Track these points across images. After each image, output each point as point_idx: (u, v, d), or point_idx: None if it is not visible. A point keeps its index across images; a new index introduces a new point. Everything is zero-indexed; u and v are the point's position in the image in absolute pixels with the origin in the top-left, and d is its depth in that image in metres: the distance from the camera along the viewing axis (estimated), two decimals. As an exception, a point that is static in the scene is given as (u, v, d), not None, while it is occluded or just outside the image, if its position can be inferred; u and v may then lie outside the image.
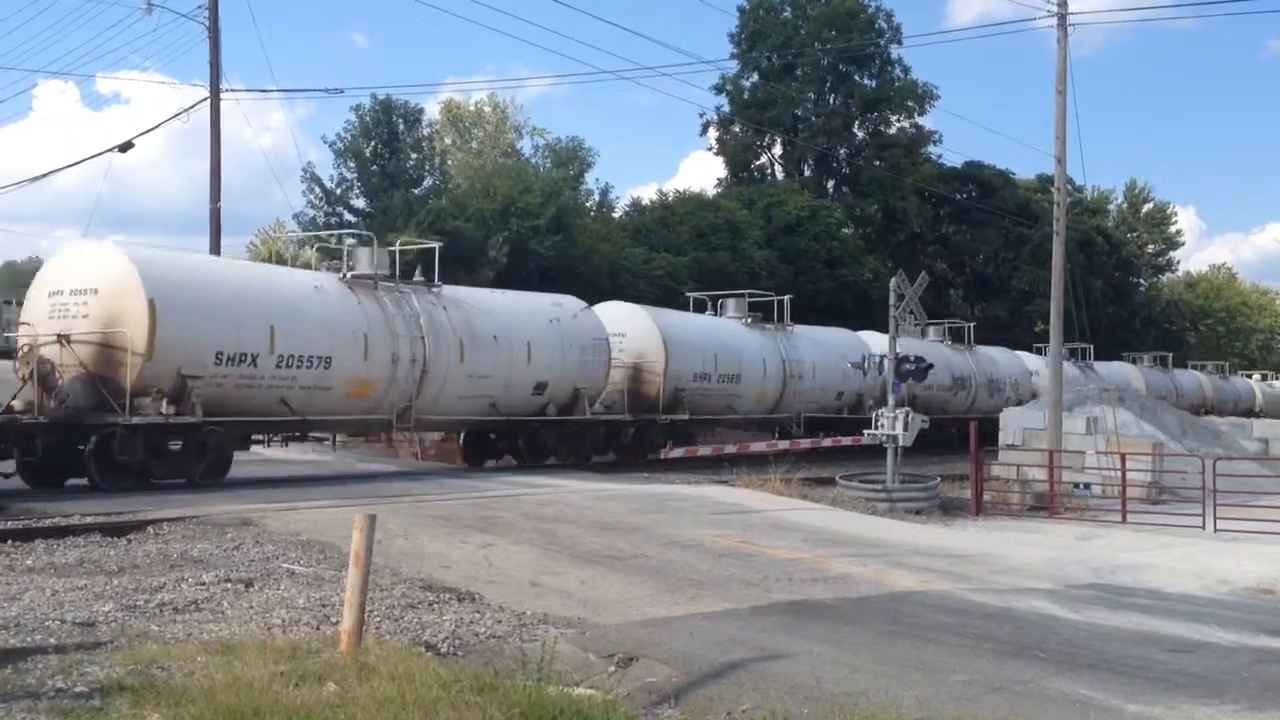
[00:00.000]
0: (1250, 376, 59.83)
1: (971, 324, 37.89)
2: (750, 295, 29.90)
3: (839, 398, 30.30)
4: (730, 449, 25.39)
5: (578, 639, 8.17)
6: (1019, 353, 40.93)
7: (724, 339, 27.44)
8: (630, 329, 25.12)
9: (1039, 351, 38.00)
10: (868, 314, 34.11)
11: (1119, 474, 19.03)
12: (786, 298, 29.79)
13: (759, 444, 25.71)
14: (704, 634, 8.42)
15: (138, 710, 6.00)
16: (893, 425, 18.63)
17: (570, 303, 23.82)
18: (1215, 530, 16.18)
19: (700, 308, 29.19)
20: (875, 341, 29.54)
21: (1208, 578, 12.50)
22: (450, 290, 21.59)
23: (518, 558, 11.30)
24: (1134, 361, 47.01)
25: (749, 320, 28.87)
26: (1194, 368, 54.06)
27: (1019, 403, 32.28)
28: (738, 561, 11.75)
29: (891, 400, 19.20)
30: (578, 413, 22.78)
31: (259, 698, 6.04)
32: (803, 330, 30.41)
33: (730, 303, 29.33)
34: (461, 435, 23.87)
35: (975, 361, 36.65)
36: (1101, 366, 42.44)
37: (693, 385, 25.52)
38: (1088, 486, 20.67)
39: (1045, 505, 19.14)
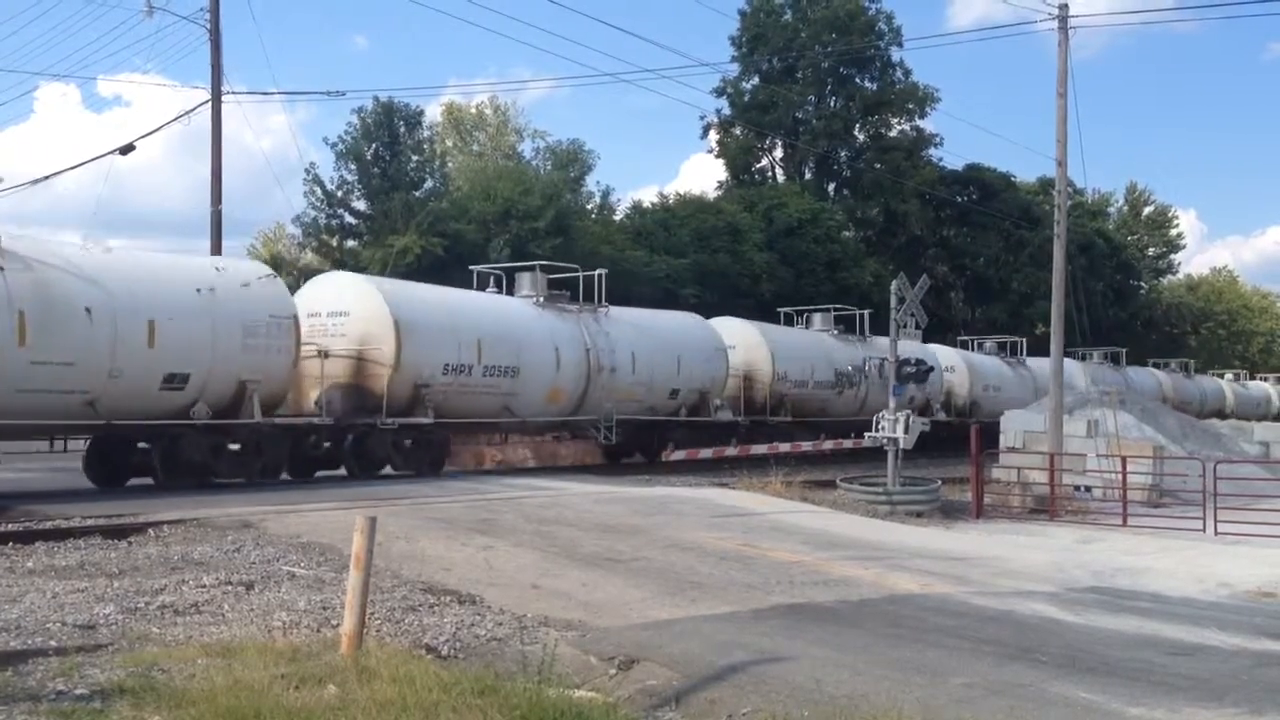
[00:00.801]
0: (1223, 376, 59.32)
1: (867, 311, 32.92)
2: (551, 269, 24.92)
3: (673, 396, 26.08)
4: (733, 452, 25.37)
5: (578, 641, 8.17)
6: (934, 346, 34.98)
7: (501, 321, 22.65)
8: (356, 306, 20.58)
9: (1075, 358, 37.94)
10: (869, 316, 34.09)
11: (1120, 477, 19.03)
12: (599, 272, 24.83)
13: (758, 447, 25.66)
14: (705, 637, 8.41)
15: (138, 712, 6.00)
16: (893, 428, 18.64)
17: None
18: (1216, 533, 16.17)
19: (484, 284, 24.41)
20: (732, 331, 28.43)
21: (1208, 581, 12.49)
22: (616, 311, 25.46)
23: (518, 560, 11.30)
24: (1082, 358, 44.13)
25: (542, 299, 23.88)
26: (1156, 365, 52.87)
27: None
28: (739, 564, 11.74)
29: (892, 403, 19.21)
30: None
31: (259, 700, 6.04)
32: (621, 313, 25.71)
33: (525, 278, 24.40)
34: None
35: (870, 353, 30.20)
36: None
37: (441, 379, 20.68)
38: (1088, 489, 20.67)
39: (1046, 508, 19.15)
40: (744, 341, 28.51)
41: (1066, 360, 42.95)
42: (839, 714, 6.55)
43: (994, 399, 35.43)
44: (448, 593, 9.55)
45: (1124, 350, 47.73)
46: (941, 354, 35.69)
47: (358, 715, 5.98)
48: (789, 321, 31.61)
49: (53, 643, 7.45)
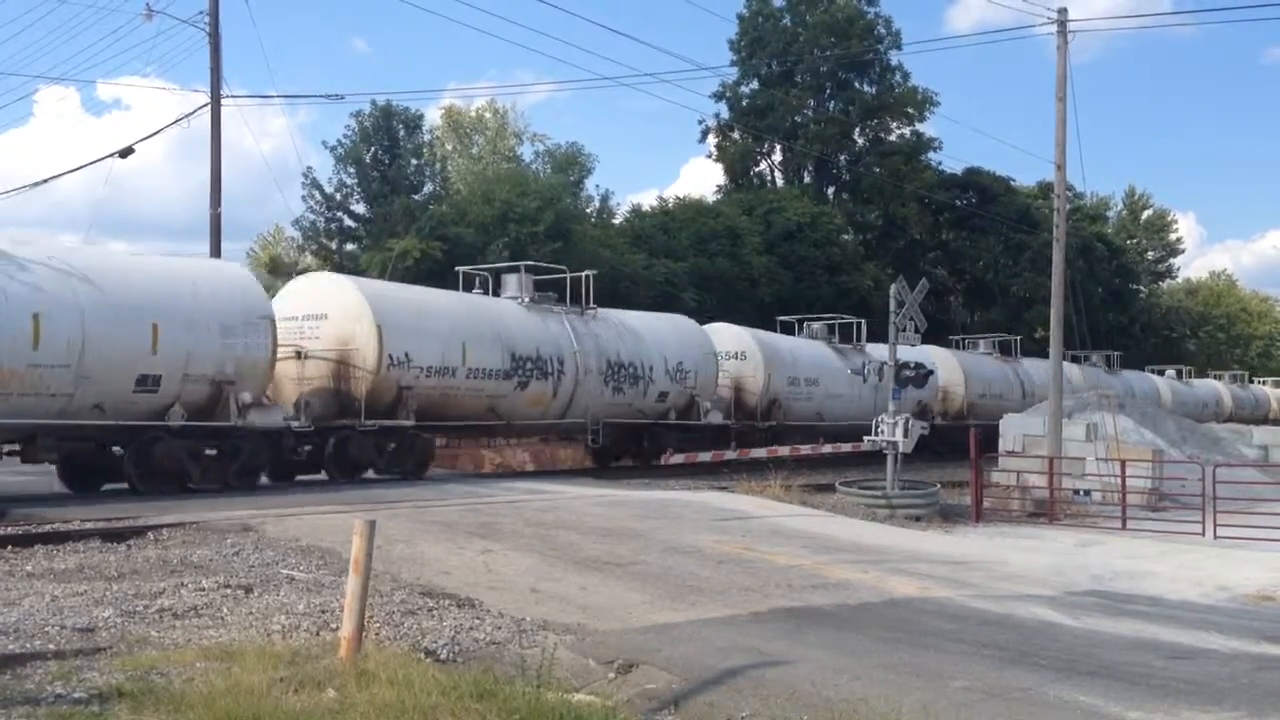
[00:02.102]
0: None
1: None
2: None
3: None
4: (731, 455, 25.39)
5: (577, 645, 8.17)
6: (726, 326, 29.74)
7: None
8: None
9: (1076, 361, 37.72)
10: (869, 320, 34.17)
11: (1119, 480, 19.03)
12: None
13: (757, 450, 25.67)
14: (704, 640, 8.41)
15: (137, 716, 6.00)
16: (893, 431, 18.65)
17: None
18: (1215, 537, 16.16)
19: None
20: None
21: (1207, 584, 12.49)
22: (604, 312, 25.42)
23: (518, 564, 11.29)
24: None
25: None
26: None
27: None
28: (738, 567, 11.74)
29: (892, 406, 19.21)
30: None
31: (258, 703, 6.04)
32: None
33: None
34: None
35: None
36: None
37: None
38: (1088, 493, 20.67)
39: (1045, 512, 19.15)
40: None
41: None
42: (838, 717, 6.55)
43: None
44: (447, 596, 9.55)
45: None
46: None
47: (356, 719, 5.98)
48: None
49: (51, 646, 7.44)
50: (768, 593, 10.44)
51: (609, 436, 24.49)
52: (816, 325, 32.39)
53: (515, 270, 24.21)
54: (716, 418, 27.00)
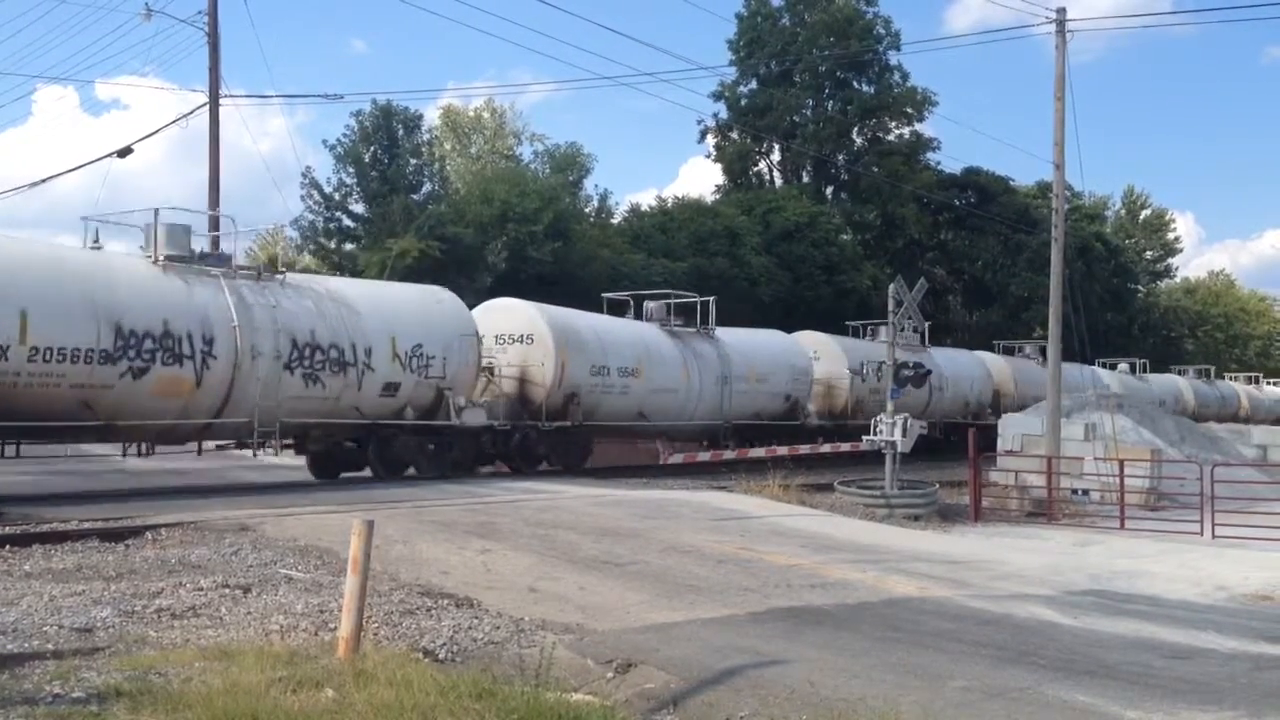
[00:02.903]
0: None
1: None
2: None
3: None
4: (730, 455, 25.40)
5: (576, 645, 8.16)
6: (511, 302, 25.43)
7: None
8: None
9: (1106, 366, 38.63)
10: (868, 320, 34.27)
11: (1117, 480, 19.04)
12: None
13: (756, 450, 25.70)
14: (703, 640, 8.41)
15: (135, 716, 5.99)
16: (891, 431, 18.65)
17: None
18: (1214, 537, 16.18)
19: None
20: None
21: (1206, 584, 12.50)
22: (720, 331, 27.79)
23: (516, 563, 11.29)
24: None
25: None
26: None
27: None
28: (736, 567, 11.74)
29: (890, 406, 19.21)
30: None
31: (256, 703, 6.03)
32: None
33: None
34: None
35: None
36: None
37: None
38: (1086, 493, 20.68)
39: (1044, 511, 19.16)
40: (825, 353, 30.68)
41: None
42: (836, 717, 6.55)
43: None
44: (445, 596, 9.54)
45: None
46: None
47: (354, 719, 5.98)
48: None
49: (49, 646, 7.43)
50: (766, 592, 10.45)
51: (316, 441, 20.20)
52: (653, 305, 27.44)
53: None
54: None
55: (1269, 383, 65.28)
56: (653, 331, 26.00)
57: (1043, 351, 40.24)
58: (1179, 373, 52.81)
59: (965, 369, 36.70)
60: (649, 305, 27.15)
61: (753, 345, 28.87)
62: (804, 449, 26.72)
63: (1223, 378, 60.19)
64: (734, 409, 27.35)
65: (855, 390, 30.41)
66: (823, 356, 30.66)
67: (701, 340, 27.10)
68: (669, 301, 27.57)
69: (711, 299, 27.84)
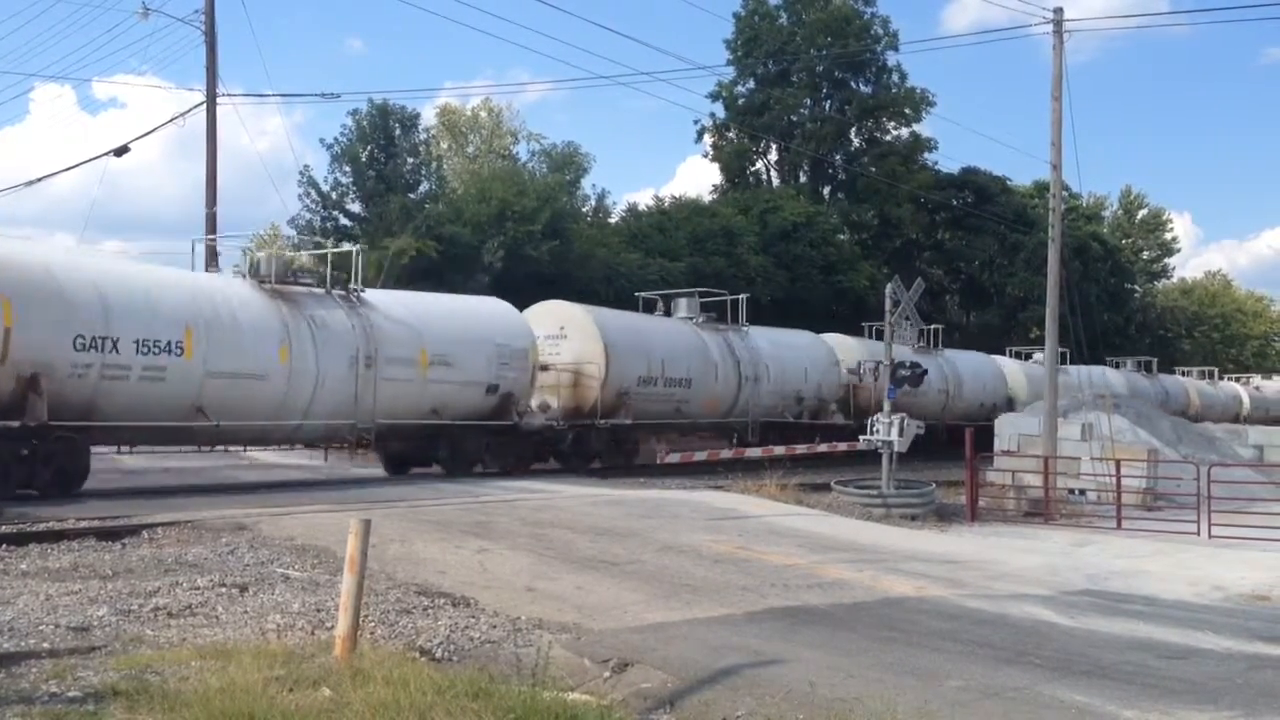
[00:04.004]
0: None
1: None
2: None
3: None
4: (727, 454, 25.40)
5: (573, 644, 8.16)
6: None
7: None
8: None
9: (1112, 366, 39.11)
10: (864, 319, 34.32)
11: (1114, 480, 19.05)
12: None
13: (752, 450, 25.69)
14: (699, 639, 8.41)
15: (132, 715, 5.98)
16: (888, 431, 18.65)
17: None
18: (1210, 536, 16.18)
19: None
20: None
21: (1202, 584, 12.50)
22: (751, 329, 28.88)
23: (513, 563, 11.29)
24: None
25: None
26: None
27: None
28: (733, 567, 11.75)
29: (887, 405, 19.22)
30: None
31: (253, 703, 6.03)
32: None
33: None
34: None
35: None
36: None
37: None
38: (1083, 493, 20.69)
39: (1041, 511, 19.16)
40: (848, 354, 31.20)
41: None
42: (833, 717, 6.55)
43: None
44: (442, 595, 9.54)
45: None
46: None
47: (351, 718, 5.97)
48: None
49: (46, 645, 7.43)
50: (763, 592, 10.45)
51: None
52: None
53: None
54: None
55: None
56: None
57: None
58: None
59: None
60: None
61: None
62: (800, 448, 26.70)
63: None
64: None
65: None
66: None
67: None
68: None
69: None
